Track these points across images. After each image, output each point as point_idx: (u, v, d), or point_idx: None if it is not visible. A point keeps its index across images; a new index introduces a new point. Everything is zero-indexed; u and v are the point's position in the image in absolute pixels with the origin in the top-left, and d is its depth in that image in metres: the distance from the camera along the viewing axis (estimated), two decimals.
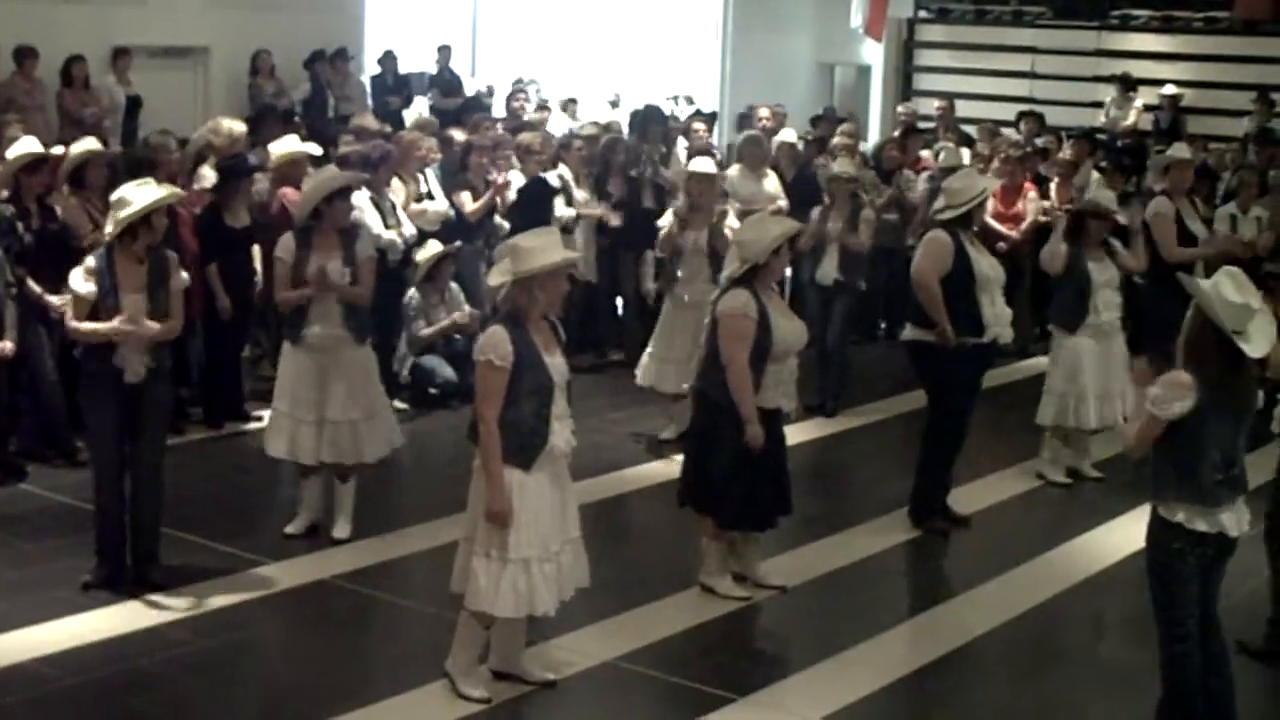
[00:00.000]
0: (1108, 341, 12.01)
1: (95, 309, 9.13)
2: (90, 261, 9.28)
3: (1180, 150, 14.13)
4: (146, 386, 9.19)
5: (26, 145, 11.72)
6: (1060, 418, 12.06)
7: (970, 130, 20.26)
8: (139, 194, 9.14)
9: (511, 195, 14.45)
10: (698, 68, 25.93)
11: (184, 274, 9.52)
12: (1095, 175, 16.16)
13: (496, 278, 7.89)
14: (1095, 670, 9.10)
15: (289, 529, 10.42)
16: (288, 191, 12.86)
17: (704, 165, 12.88)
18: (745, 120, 19.98)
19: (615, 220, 15.23)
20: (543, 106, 20.56)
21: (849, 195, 13.91)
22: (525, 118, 18.49)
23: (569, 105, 20.42)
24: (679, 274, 12.47)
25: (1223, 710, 7.61)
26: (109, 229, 9.21)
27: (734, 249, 9.47)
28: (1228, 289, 7.19)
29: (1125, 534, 10.88)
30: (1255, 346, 7.18)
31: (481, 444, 7.74)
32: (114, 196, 9.29)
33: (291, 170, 13.04)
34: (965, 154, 17.14)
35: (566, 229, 14.26)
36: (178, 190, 9.65)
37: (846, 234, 13.68)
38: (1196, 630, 7.50)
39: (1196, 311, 7.30)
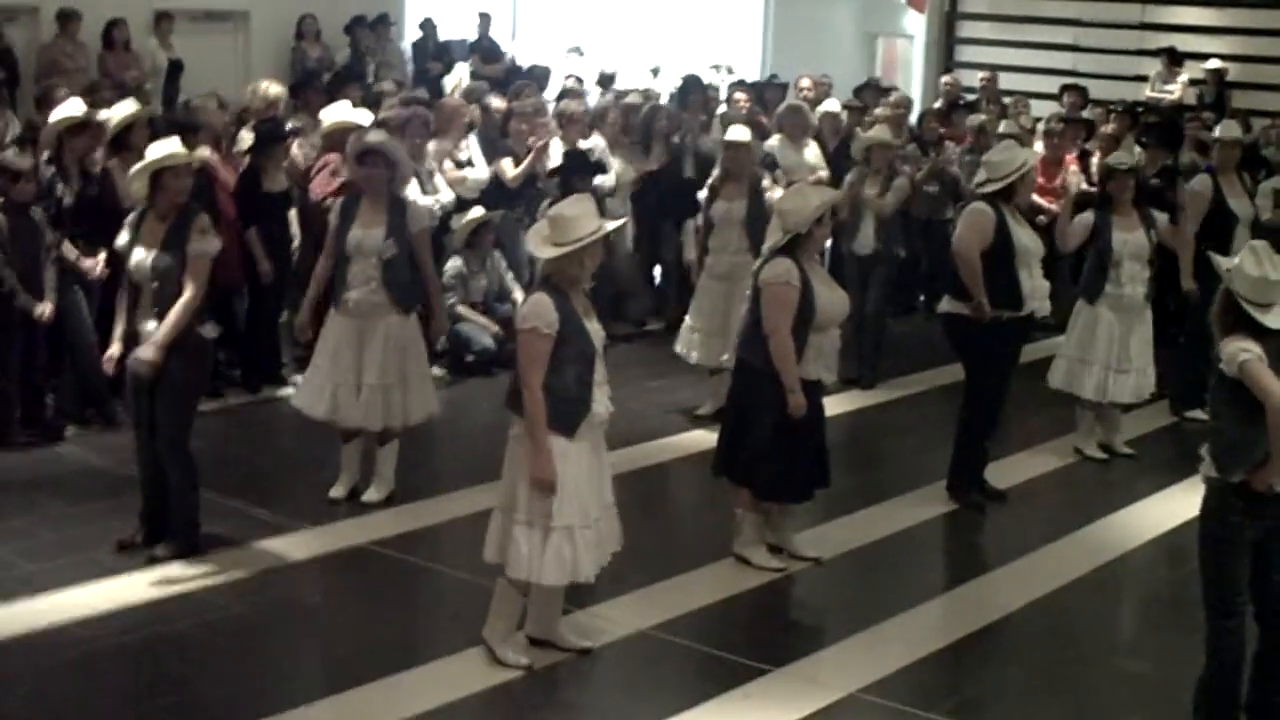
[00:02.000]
0: (1129, 316, 11.92)
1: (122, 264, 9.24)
2: (130, 217, 9.37)
3: (1229, 129, 14.03)
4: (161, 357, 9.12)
5: (71, 108, 11.75)
6: (1067, 382, 12.03)
7: (1009, 101, 20.13)
8: (155, 150, 9.20)
9: (552, 162, 14.43)
10: (740, 37, 25.83)
11: (215, 240, 9.36)
12: (1137, 149, 16.08)
13: (540, 248, 7.88)
14: (1129, 646, 9.09)
15: (332, 493, 10.47)
16: (332, 156, 12.85)
17: (738, 134, 12.80)
18: (768, 88, 19.85)
19: (652, 163, 15.23)
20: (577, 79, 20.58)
21: (885, 163, 13.87)
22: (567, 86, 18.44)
23: (606, 80, 20.34)
24: (710, 244, 12.45)
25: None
26: (131, 185, 9.28)
27: (776, 219, 9.43)
28: (1249, 263, 7.19)
29: (1160, 510, 10.89)
30: (1275, 318, 7.15)
31: (527, 411, 7.74)
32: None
33: (341, 138, 13.02)
34: (1003, 124, 17.15)
35: (608, 196, 14.24)
36: (195, 153, 9.58)
37: (877, 200, 13.66)
38: (1244, 608, 7.46)
39: (1224, 289, 7.29)
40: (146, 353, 9.02)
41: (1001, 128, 16.86)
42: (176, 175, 9.18)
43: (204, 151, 11.65)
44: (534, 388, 7.70)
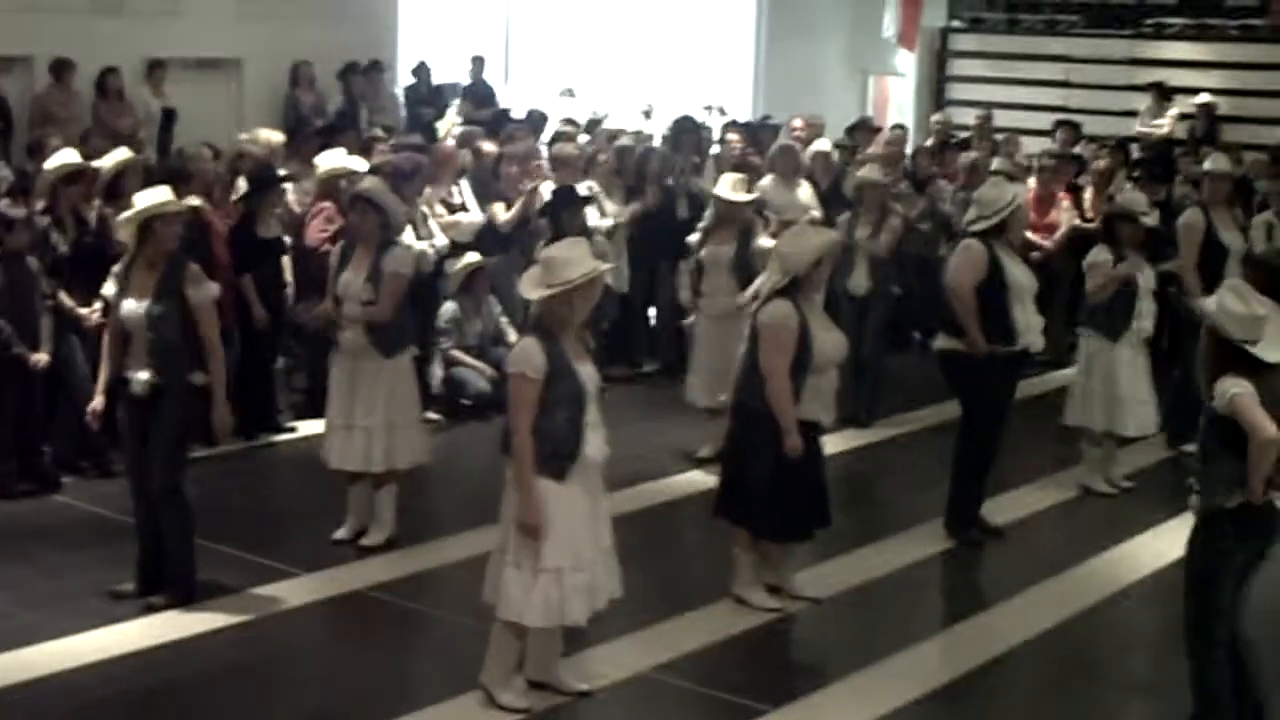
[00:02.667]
0: (1139, 350, 12.03)
1: (112, 314, 9.24)
2: (117, 267, 9.37)
3: (1219, 162, 14.06)
4: (154, 402, 9.14)
5: (65, 156, 11.81)
6: (1109, 422, 12.05)
7: (1000, 138, 20.16)
8: (143, 198, 9.22)
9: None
10: (731, 77, 25.90)
11: (213, 285, 9.47)
12: (1128, 184, 16.12)
13: (531, 290, 7.90)
14: (1128, 683, 9.09)
15: (336, 534, 10.49)
16: (326, 204, 12.89)
17: (733, 190, 12.66)
18: (760, 129, 19.93)
19: (647, 203, 15.26)
20: (570, 123, 20.62)
21: (877, 202, 13.90)
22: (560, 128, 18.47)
23: (593, 125, 20.38)
24: (702, 288, 12.47)
25: None
26: (120, 234, 9.31)
27: (775, 260, 9.46)
28: (1231, 302, 7.28)
29: (1159, 545, 10.87)
30: (1271, 351, 7.22)
31: (515, 455, 7.76)
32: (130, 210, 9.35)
33: (335, 184, 13.05)
34: (996, 162, 17.20)
35: (604, 238, 14.27)
36: (184, 200, 9.62)
37: (871, 241, 13.69)
38: (1228, 639, 7.49)
39: (1208, 331, 7.36)
40: (222, 420, 9.32)
41: (994, 165, 16.91)
42: (167, 223, 9.20)
43: (193, 199, 11.65)
44: (522, 431, 7.72)
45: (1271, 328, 7.30)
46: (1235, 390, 7.20)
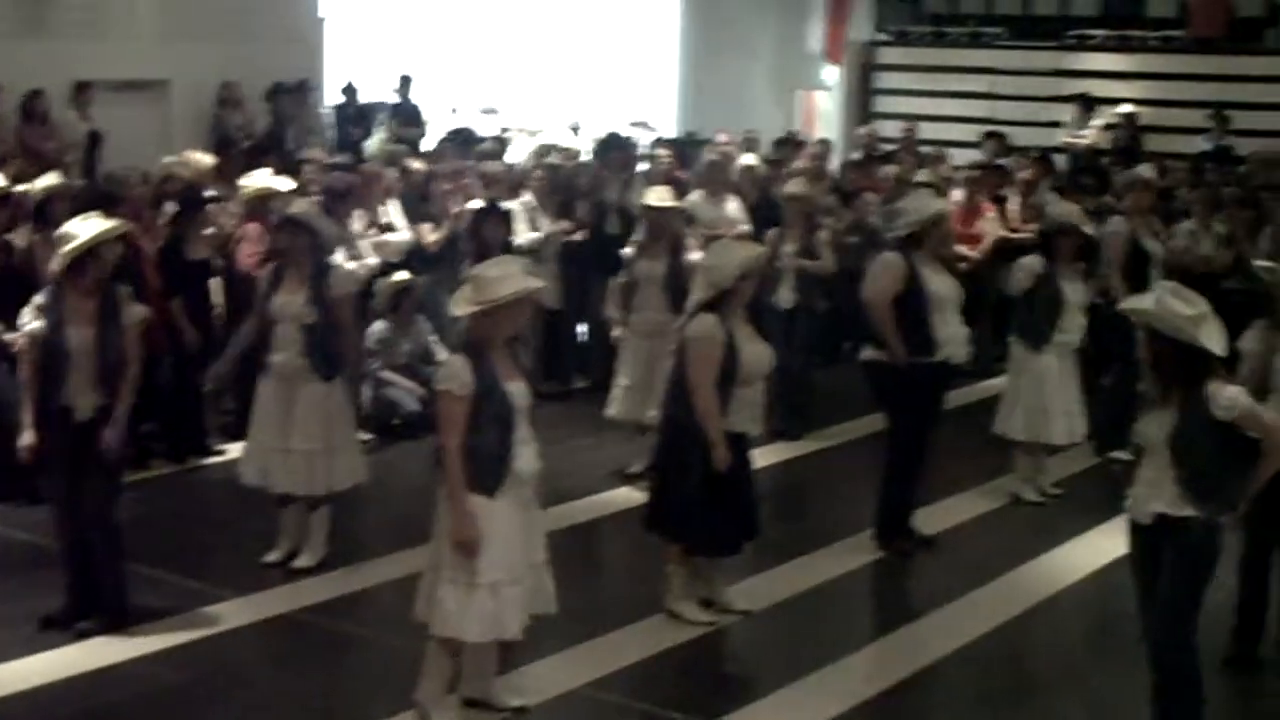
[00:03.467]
0: (1067, 361, 12.12)
1: (46, 345, 9.08)
2: (38, 298, 9.24)
3: (1145, 171, 14.22)
4: (96, 426, 9.10)
5: None
6: (1030, 432, 12.13)
7: (928, 150, 20.31)
8: (84, 228, 9.12)
9: None
10: (657, 93, 25.98)
11: (140, 307, 9.47)
12: (1051, 195, 16.26)
13: (460, 308, 7.92)
14: (1061, 688, 9.14)
15: (268, 557, 10.45)
16: (251, 227, 12.88)
17: (659, 196, 12.82)
18: (688, 145, 20.06)
19: (579, 235, 15.28)
20: (504, 133, 20.64)
21: (803, 216, 13.97)
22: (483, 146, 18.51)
23: (536, 133, 20.43)
24: (634, 303, 12.52)
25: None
26: (54, 264, 9.20)
27: (700, 275, 9.51)
28: (1175, 303, 7.37)
29: (1088, 552, 10.98)
30: (1215, 344, 7.40)
31: (446, 472, 7.78)
32: (59, 232, 9.28)
33: (261, 205, 13.04)
34: (921, 174, 17.33)
35: (533, 254, 14.29)
36: (122, 223, 9.58)
37: (799, 256, 13.74)
38: None
39: (1152, 334, 7.44)
40: (111, 437, 9.09)
41: (919, 177, 17.03)
42: (109, 247, 9.22)
43: (122, 223, 11.56)
44: (451, 449, 7.75)
45: (1208, 326, 7.43)
46: (1246, 397, 7.38)
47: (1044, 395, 12.03)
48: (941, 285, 10.87)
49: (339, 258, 12.57)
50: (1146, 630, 7.83)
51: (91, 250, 9.07)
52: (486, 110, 22.26)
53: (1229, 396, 7.39)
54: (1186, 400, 7.44)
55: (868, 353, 10.98)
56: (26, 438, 9.23)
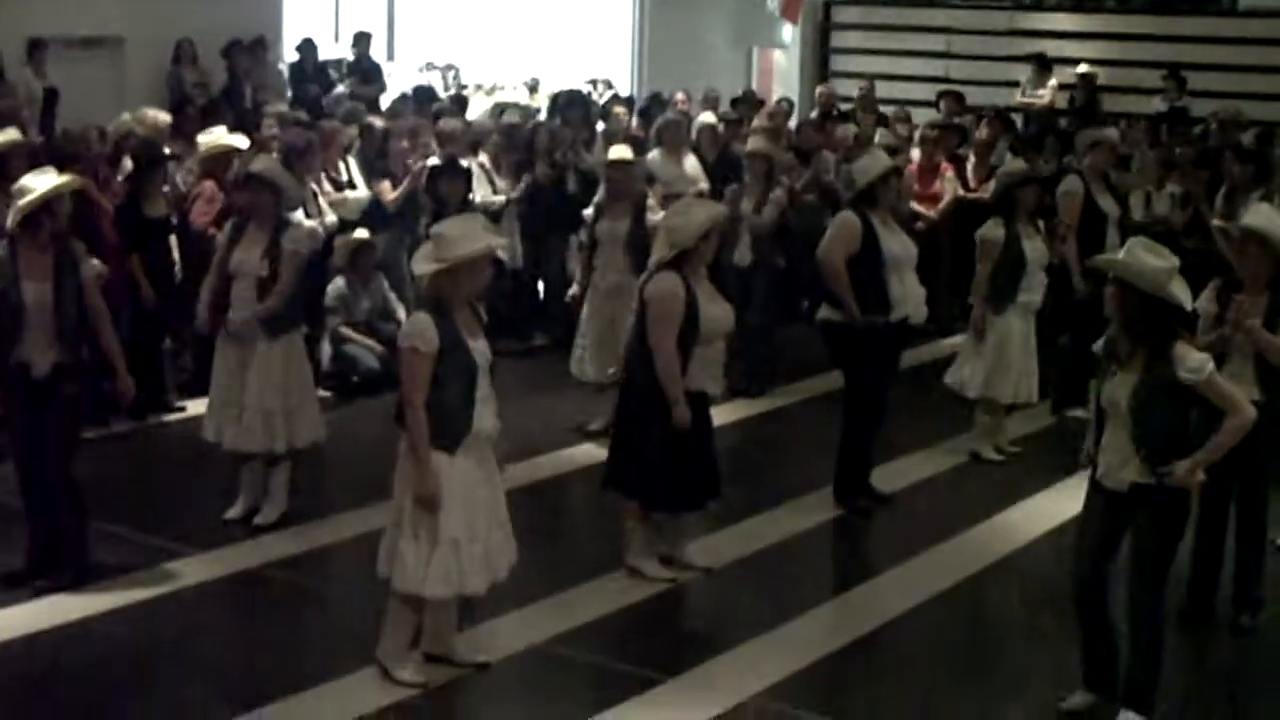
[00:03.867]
0: (1027, 321, 12.18)
1: (1, 301, 9.04)
2: None
3: (1106, 132, 14.27)
4: (54, 382, 9.08)
5: None
6: (988, 389, 12.19)
7: (890, 111, 20.31)
8: (38, 182, 9.09)
9: None
10: (614, 51, 25.93)
11: (96, 262, 9.43)
12: (1008, 155, 16.33)
13: (422, 266, 7.92)
14: (1018, 644, 9.24)
15: (228, 514, 10.45)
16: (207, 185, 12.84)
17: (620, 152, 12.90)
18: (652, 106, 20.02)
19: (537, 178, 15.28)
20: (462, 89, 20.63)
21: (763, 175, 13.99)
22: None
23: (494, 90, 20.41)
24: (595, 262, 12.53)
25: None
26: (9, 219, 9.17)
27: (662, 234, 9.52)
28: (1146, 256, 7.42)
29: (1046, 509, 11.06)
30: (1186, 299, 7.50)
31: (409, 429, 7.80)
32: (14, 187, 9.25)
33: (218, 162, 12.99)
34: (880, 134, 17.36)
35: (493, 215, 14.29)
36: (76, 177, 9.53)
37: (755, 214, 13.78)
38: None
39: (1122, 286, 7.47)
40: (126, 384, 9.37)
41: (877, 137, 17.06)
42: (63, 201, 9.22)
43: (79, 180, 11.49)
44: (416, 406, 7.77)
45: (1177, 281, 7.51)
46: (1211, 365, 7.45)
47: (1005, 355, 12.09)
48: (897, 244, 10.91)
49: (299, 215, 12.56)
50: (1081, 585, 7.92)
51: (46, 205, 9.03)
52: (423, 67, 22.21)
53: (1198, 360, 7.45)
54: (1151, 360, 7.48)
55: (824, 312, 11.02)
56: None
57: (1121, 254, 7.61)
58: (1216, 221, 13.49)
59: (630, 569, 9.70)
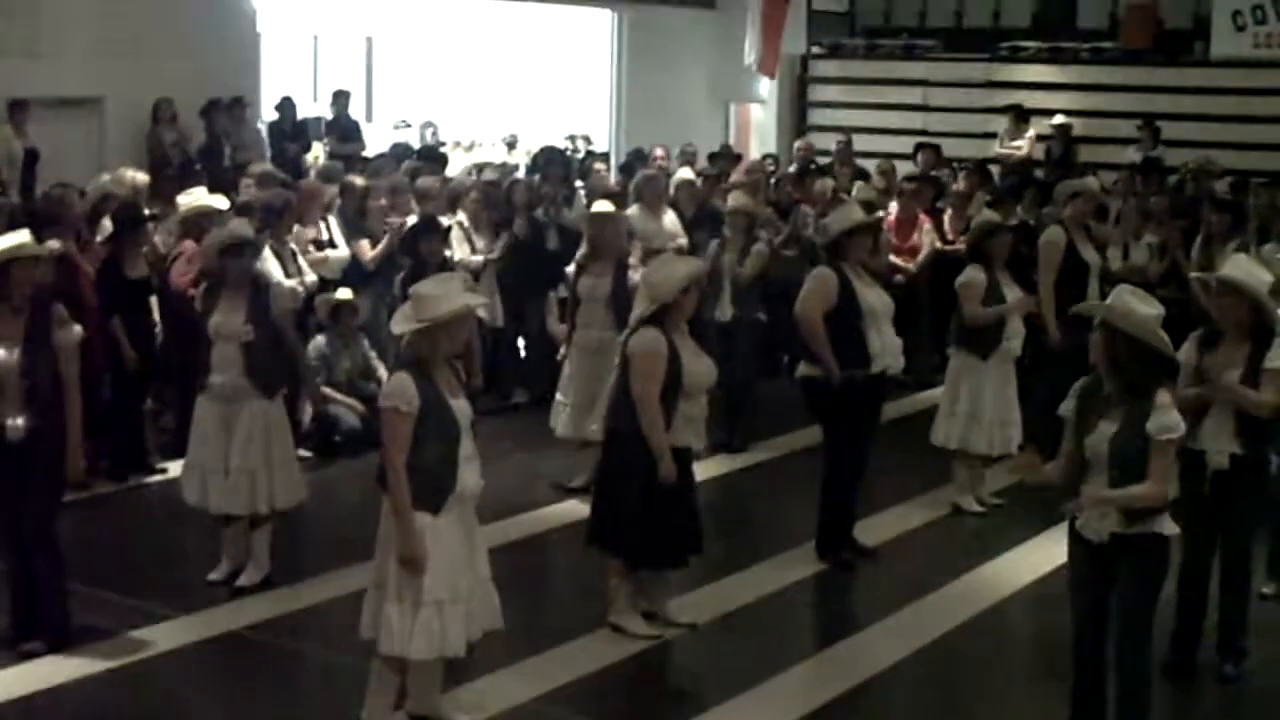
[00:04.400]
0: (1006, 368, 12.21)
1: None
2: None
3: (1088, 182, 14.33)
4: (31, 447, 9.02)
5: None
6: (963, 441, 12.21)
7: (869, 164, 20.38)
8: (8, 243, 9.08)
9: None
10: (591, 107, 26.00)
11: (76, 327, 9.37)
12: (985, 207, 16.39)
13: (400, 325, 7.94)
14: (1004, 697, 9.21)
15: (212, 575, 10.43)
16: (188, 245, 12.85)
17: (603, 206, 12.97)
18: (634, 162, 20.08)
19: (516, 234, 15.29)
20: (439, 145, 20.71)
21: (744, 230, 14.04)
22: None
23: (472, 146, 20.51)
24: (577, 319, 12.55)
25: None
26: None
27: (643, 289, 9.55)
28: (1135, 303, 7.44)
29: (1027, 560, 11.07)
30: (1169, 349, 7.54)
31: (391, 490, 7.79)
32: None
33: (198, 223, 12.99)
34: (858, 187, 17.42)
35: (473, 274, 14.33)
36: (33, 244, 9.45)
37: (734, 268, 13.83)
38: None
39: (1110, 334, 7.47)
40: (74, 464, 9.17)
41: (855, 191, 17.11)
42: (23, 267, 9.09)
43: (54, 243, 11.46)
44: (397, 466, 7.76)
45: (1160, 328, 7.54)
46: (1179, 433, 7.47)
47: (981, 404, 12.11)
48: (873, 297, 10.92)
49: (276, 273, 12.60)
50: (1077, 641, 7.92)
51: (5, 268, 8.99)
52: (398, 124, 22.29)
53: (1173, 421, 7.46)
54: (1134, 408, 7.50)
55: (804, 369, 11.02)
56: None
57: (1109, 301, 7.64)
58: (1195, 274, 13.53)
59: (614, 626, 9.68)
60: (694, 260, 10.49)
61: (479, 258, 14.90)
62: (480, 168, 17.85)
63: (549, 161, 17.49)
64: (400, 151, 19.53)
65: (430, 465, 7.79)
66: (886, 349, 10.93)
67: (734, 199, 14.72)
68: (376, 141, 21.84)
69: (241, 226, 10.97)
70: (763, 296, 14.31)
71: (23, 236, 9.25)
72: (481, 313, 13.01)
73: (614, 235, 12.79)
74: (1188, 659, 9.24)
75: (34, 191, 16.22)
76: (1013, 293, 12.14)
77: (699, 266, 9.96)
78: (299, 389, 11.09)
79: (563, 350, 12.87)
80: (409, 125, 22.76)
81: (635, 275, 12.29)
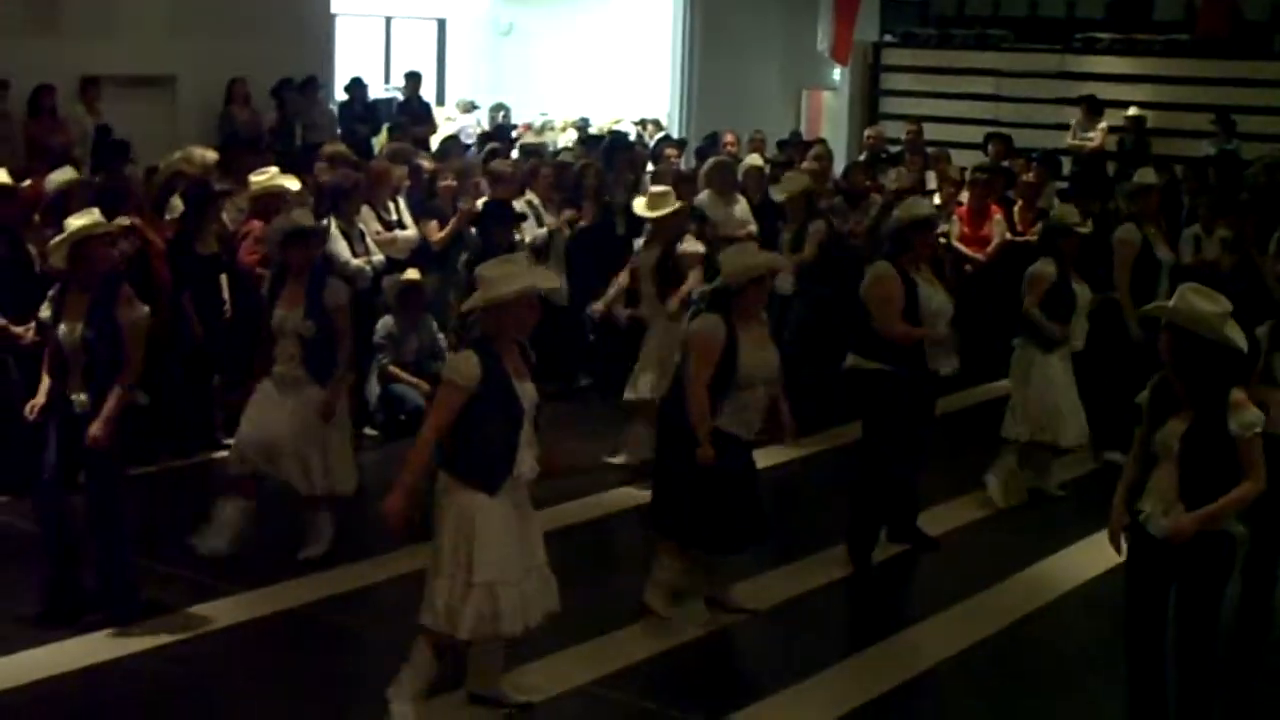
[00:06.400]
0: (1070, 362, 12.18)
1: (47, 338, 9.22)
2: (52, 290, 9.37)
3: (1146, 175, 14.20)
4: (90, 421, 9.07)
5: None
6: (1040, 433, 12.16)
7: (931, 152, 20.30)
8: (76, 223, 9.17)
9: None
10: (664, 93, 25.97)
11: (143, 308, 9.40)
12: (1056, 198, 16.30)
13: (469, 304, 7.96)
14: (1061, 694, 9.17)
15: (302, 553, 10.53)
16: (256, 224, 12.89)
17: (650, 206, 12.82)
18: (710, 147, 20.03)
19: (583, 216, 15.35)
20: (510, 128, 20.73)
21: (800, 211, 14.15)
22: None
23: (543, 129, 20.53)
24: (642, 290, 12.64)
25: None
26: (52, 259, 9.29)
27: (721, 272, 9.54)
28: (1200, 301, 7.33)
29: (1090, 556, 10.94)
30: (1240, 339, 7.37)
31: (416, 446, 7.87)
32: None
33: (267, 203, 13.03)
34: (931, 176, 17.35)
35: (539, 251, 14.36)
36: (102, 222, 9.53)
37: (792, 249, 13.99)
38: None
39: (1176, 333, 7.39)
40: (97, 430, 9.01)
41: (890, 179, 17.13)
42: (97, 245, 9.19)
43: (123, 220, 11.52)
44: (430, 428, 7.83)
45: (1231, 324, 7.39)
46: (1260, 425, 7.35)
47: (1054, 396, 12.06)
48: (935, 298, 10.76)
49: (344, 253, 12.67)
50: (1133, 639, 7.84)
51: (78, 246, 9.08)
52: (463, 105, 22.32)
53: (1254, 415, 7.33)
54: (1205, 405, 7.38)
55: (850, 360, 10.85)
56: (39, 399, 9.35)
57: (1173, 301, 7.53)
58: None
59: (644, 603, 9.66)
60: (772, 255, 10.41)
61: (544, 230, 14.90)
62: (550, 150, 17.84)
63: (616, 147, 17.47)
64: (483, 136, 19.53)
65: (490, 445, 7.79)
66: (942, 350, 10.86)
67: (787, 182, 14.81)
68: (447, 125, 21.87)
69: (304, 215, 11.03)
70: (827, 273, 14.33)
71: (94, 215, 9.32)
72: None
73: (675, 223, 12.74)
74: (1250, 660, 9.16)
75: (112, 168, 16.24)
76: (1082, 290, 12.09)
77: (773, 260, 9.93)
78: (363, 374, 11.12)
79: (596, 306, 13.25)
80: (477, 107, 22.76)
81: (685, 246, 12.49)
